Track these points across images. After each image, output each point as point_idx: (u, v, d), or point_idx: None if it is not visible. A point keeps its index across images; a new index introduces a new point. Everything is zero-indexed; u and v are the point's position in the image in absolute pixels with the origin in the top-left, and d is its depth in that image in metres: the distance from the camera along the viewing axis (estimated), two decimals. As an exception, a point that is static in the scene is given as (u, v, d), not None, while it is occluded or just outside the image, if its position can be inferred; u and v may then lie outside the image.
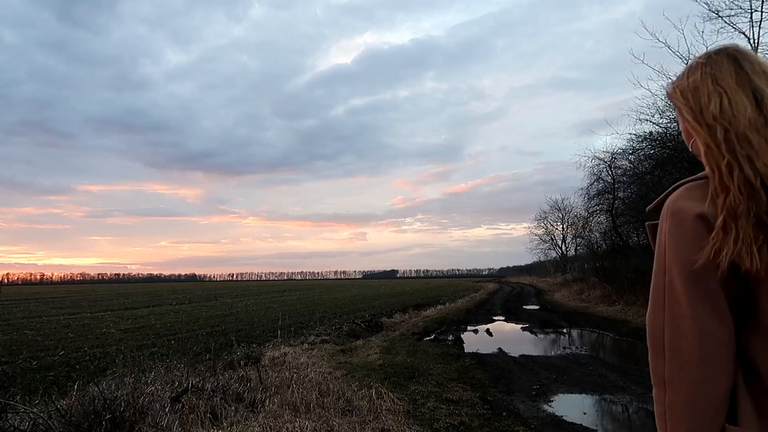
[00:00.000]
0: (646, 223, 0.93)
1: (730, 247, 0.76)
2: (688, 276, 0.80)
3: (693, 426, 0.79)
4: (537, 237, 48.32)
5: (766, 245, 0.75)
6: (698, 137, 0.87)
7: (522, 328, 12.89)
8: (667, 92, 0.97)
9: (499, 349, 9.03)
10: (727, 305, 0.80)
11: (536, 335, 11.29)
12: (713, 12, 10.55)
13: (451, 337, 10.90)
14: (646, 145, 15.71)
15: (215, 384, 4.94)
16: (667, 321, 0.83)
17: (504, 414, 4.75)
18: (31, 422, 3.65)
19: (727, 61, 0.86)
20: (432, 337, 11.13)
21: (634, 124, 19.57)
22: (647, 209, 0.95)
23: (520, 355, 8.25)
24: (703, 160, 0.85)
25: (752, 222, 0.75)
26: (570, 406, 5.17)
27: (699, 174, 0.87)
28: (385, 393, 4.98)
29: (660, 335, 0.84)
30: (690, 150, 0.94)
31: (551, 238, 47.61)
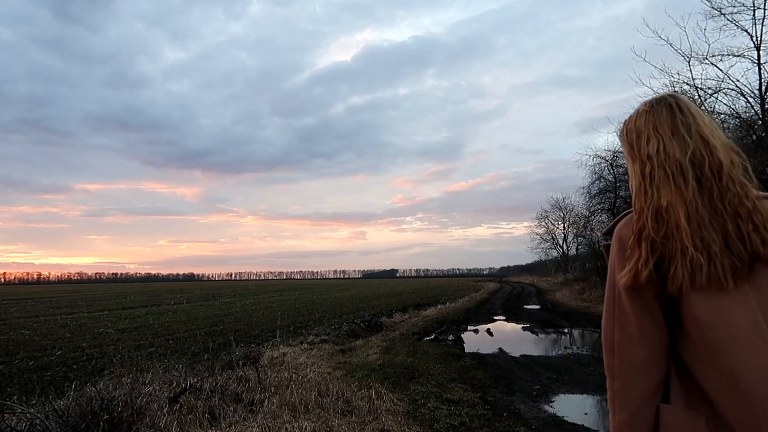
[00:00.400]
0: (602, 244, 1.19)
1: (644, 268, 0.99)
2: (630, 290, 1.02)
3: (635, 408, 1.02)
4: (538, 236, 48.17)
5: (682, 269, 0.96)
6: (631, 171, 1.10)
7: (523, 327, 12.89)
8: (619, 134, 1.22)
9: (500, 349, 9.03)
10: (662, 313, 1.02)
11: (537, 335, 11.30)
12: (715, 9, 10.55)
13: (451, 337, 10.90)
14: (649, 144, 15.72)
15: (213, 384, 4.93)
16: (616, 325, 1.05)
17: (505, 414, 4.75)
18: (28, 423, 3.65)
19: (666, 111, 1.06)
20: (432, 336, 11.13)
21: (636, 123, 19.56)
22: (602, 234, 1.17)
23: (521, 355, 8.25)
24: (632, 192, 1.08)
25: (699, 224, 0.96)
26: (571, 406, 5.18)
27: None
28: (384, 393, 4.99)
29: (611, 337, 1.06)
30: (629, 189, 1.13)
31: (552, 238, 47.50)
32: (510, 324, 14.10)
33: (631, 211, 1.08)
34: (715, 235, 0.95)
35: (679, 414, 1.00)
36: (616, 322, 1.05)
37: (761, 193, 1.00)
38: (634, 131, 1.10)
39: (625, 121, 1.15)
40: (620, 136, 1.16)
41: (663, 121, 1.06)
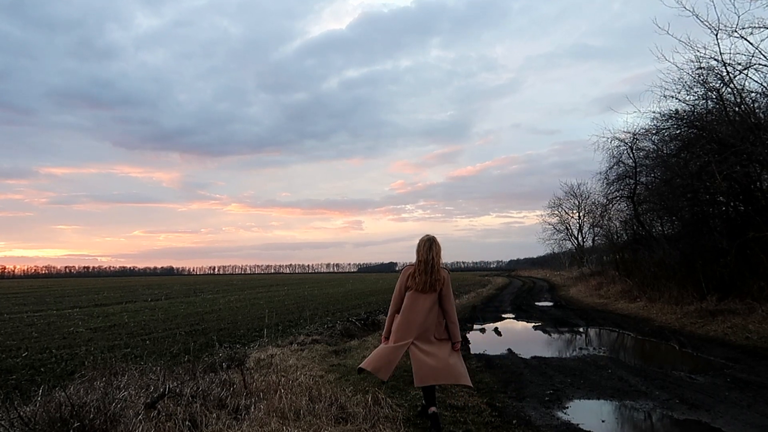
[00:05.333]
0: (405, 267, 4.82)
1: (408, 281, 4.63)
2: (400, 287, 4.68)
3: (390, 314, 4.77)
4: (551, 226, 48.44)
5: (418, 279, 4.57)
6: (418, 256, 4.63)
7: (534, 327, 12.95)
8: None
9: (509, 350, 9.07)
10: (403, 294, 4.66)
11: (550, 335, 11.36)
12: (748, -24, 10.45)
13: (455, 337, 10.92)
14: (672, 125, 15.57)
15: (195, 389, 4.94)
16: (395, 292, 4.72)
17: (514, 422, 4.78)
18: (-9, 431, 3.65)
19: (431, 242, 4.61)
20: (434, 336, 11.14)
21: (658, 101, 19.46)
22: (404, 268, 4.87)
23: (531, 357, 8.29)
24: (417, 261, 4.64)
25: (417, 275, 4.59)
26: (587, 412, 5.20)
27: (413, 262, 4.68)
28: (382, 398, 5.00)
29: (394, 295, 4.75)
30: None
31: (566, 228, 47.76)
32: (520, 323, 14.17)
33: (412, 264, 4.67)
34: (426, 279, 4.53)
35: (399, 317, 4.63)
36: (395, 294, 4.71)
37: (441, 266, 4.60)
38: (420, 247, 4.61)
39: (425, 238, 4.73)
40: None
41: (425, 245, 4.59)
